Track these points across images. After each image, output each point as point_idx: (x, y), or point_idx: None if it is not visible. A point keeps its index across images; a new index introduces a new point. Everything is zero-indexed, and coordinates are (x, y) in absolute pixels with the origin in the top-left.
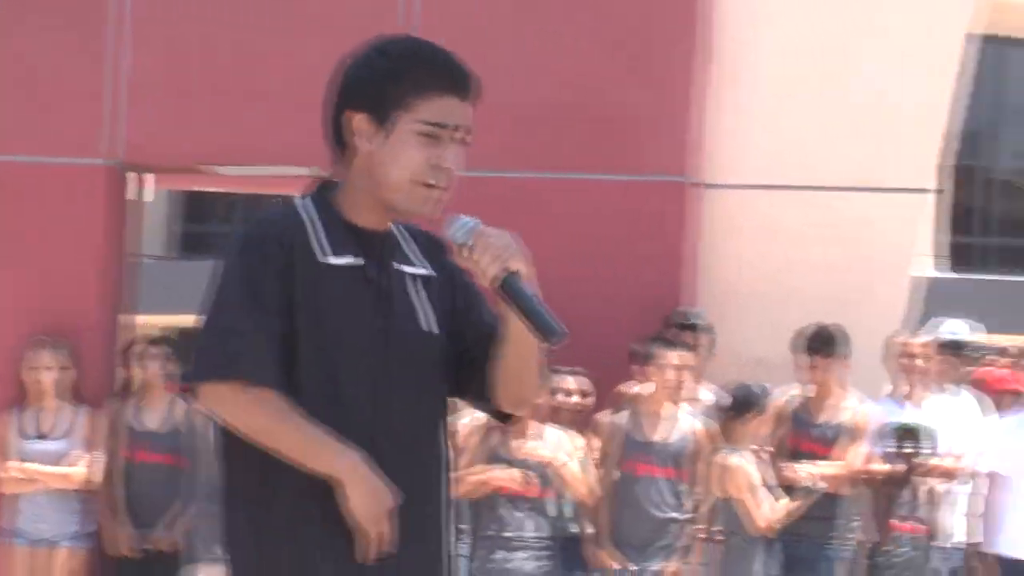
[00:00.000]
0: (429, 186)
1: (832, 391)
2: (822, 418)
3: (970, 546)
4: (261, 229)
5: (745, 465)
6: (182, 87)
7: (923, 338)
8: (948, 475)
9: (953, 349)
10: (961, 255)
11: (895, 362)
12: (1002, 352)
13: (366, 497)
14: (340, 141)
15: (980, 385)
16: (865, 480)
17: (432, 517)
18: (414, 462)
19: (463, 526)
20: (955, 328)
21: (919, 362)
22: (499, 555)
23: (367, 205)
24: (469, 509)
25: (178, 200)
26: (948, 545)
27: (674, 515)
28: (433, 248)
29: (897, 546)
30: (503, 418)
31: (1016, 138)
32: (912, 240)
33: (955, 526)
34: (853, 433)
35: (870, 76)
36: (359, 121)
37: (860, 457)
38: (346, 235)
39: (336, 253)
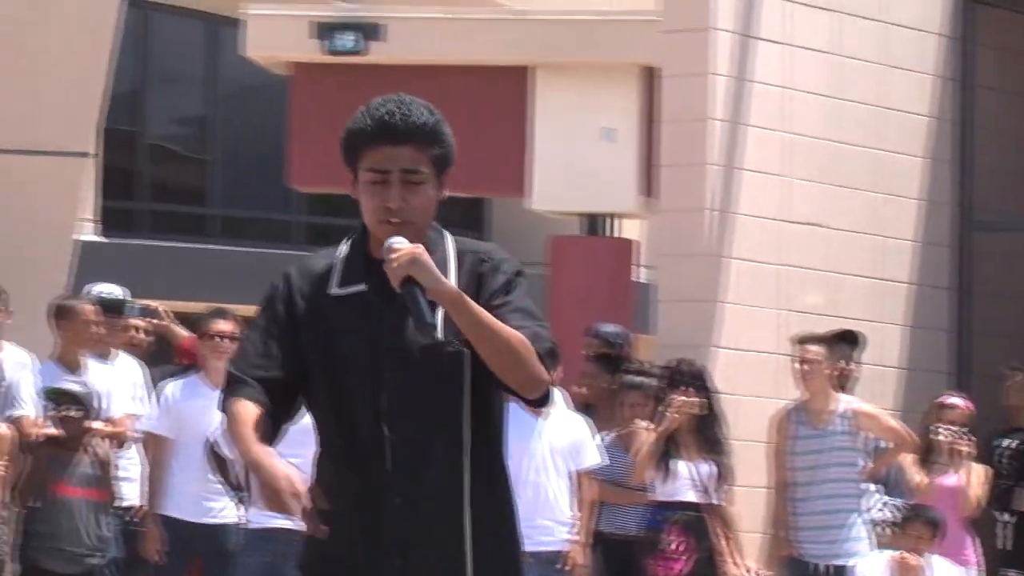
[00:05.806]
0: (387, 223)
1: None
2: None
3: (139, 509)
4: (283, 275)
5: None
6: None
7: (85, 303)
8: (114, 439)
9: (114, 310)
10: (116, 220)
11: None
12: (154, 314)
13: (263, 486)
14: None
15: (181, 352)
16: (28, 445)
17: (452, 517)
18: (429, 464)
19: None
20: (108, 291)
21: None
22: None
23: (375, 239)
24: None
25: None
26: (124, 506)
27: None
28: (472, 264)
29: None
30: (529, 403)
31: (165, 103)
32: (73, 205)
33: (128, 491)
34: None
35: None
36: (351, 176)
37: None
38: (361, 266)
39: (342, 285)
